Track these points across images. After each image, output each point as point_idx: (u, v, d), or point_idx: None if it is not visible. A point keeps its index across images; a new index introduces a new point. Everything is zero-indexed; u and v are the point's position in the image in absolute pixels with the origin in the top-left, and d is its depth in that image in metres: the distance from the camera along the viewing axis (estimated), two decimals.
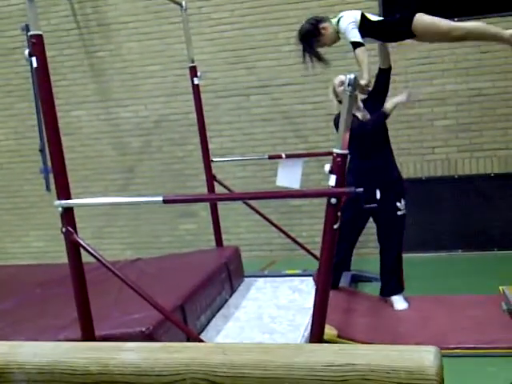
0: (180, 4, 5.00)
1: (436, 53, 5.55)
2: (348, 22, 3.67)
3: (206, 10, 5.93)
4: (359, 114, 4.03)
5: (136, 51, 6.10)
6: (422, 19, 3.58)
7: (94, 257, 2.89)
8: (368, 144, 3.96)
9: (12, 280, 4.43)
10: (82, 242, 2.85)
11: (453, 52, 5.50)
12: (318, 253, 2.97)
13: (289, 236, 5.22)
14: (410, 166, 5.73)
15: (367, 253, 5.47)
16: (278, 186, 4.87)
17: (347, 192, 2.49)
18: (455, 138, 5.62)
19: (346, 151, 2.49)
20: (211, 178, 5.20)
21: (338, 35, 3.91)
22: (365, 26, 3.65)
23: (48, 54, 6.61)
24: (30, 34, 2.90)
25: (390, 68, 4.20)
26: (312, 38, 3.85)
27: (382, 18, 3.86)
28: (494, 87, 5.47)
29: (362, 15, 3.70)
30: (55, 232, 6.56)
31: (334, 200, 2.48)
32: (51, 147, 2.85)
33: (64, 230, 2.84)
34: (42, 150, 6.42)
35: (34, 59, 2.84)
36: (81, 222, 6.50)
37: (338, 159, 2.48)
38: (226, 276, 4.36)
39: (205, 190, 6.09)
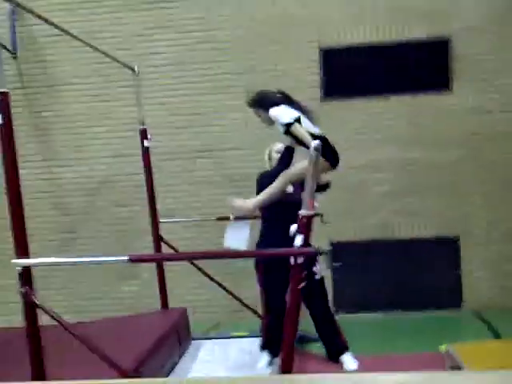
0: (132, 69, 5.14)
1: (372, 124, 5.96)
2: (281, 111, 3.60)
3: (156, 75, 6.09)
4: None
5: (82, 112, 6.13)
6: None
7: (53, 317, 2.81)
8: (278, 208, 3.97)
9: None
10: (39, 303, 2.78)
11: (389, 124, 5.93)
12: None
13: (236, 298, 5.25)
14: (348, 229, 5.99)
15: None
16: (225, 246, 4.97)
17: (313, 251, 2.61)
18: (391, 202, 5.97)
19: (312, 212, 2.63)
20: (158, 239, 5.20)
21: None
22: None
23: None
24: None
25: (326, 186, 4.21)
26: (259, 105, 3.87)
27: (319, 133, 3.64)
28: (425, 157, 5.91)
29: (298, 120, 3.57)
30: None
31: (301, 259, 2.59)
32: (12, 207, 2.81)
33: (23, 290, 2.76)
34: None
35: None
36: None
37: (304, 220, 2.61)
38: (175, 339, 4.31)
39: (149, 251, 6.07)
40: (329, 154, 3.47)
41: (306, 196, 2.62)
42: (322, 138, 3.36)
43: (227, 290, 5.25)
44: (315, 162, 2.60)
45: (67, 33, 3.85)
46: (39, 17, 3.40)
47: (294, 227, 2.65)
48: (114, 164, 6.18)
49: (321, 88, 5.99)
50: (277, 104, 3.68)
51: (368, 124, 5.98)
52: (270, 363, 4.22)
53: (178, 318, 4.57)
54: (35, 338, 2.76)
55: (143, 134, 5.19)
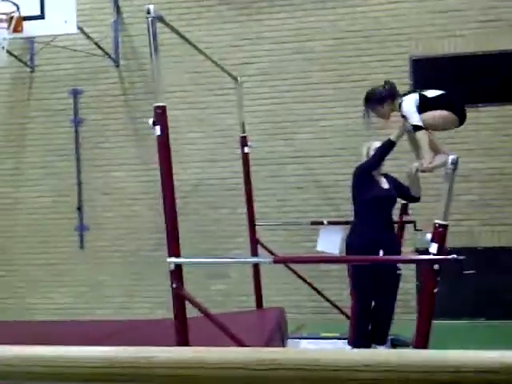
0: (235, 78, 5.42)
1: (461, 134, 6.06)
2: (410, 106, 4.01)
3: (249, 84, 6.36)
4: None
5: (180, 119, 6.47)
6: None
7: (201, 311, 3.09)
8: (373, 203, 4.25)
9: (71, 336, 4.52)
10: (189, 297, 3.06)
11: (478, 134, 6.02)
12: None
13: (327, 299, 5.46)
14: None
15: (403, 318, 5.73)
16: (318, 250, 5.21)
17: (449, 259, 2.79)
18: (478, 212, 6.05)
19: (446, 222, 2.81)
20: (255, 241, 5.45)
21: (389, 116, 4.27)
22: (422, 105, 3.99)
23: (94, 117, 7.00)
24: (155, 105, 3.19)
25: (418, 198, 4.56)
26: (373, 104, 4.17)
27: (439, 93, 4.02)
28: None
29: (420, 95, 4.02)
30: (84, 289, 6.72)
31: (436, 266, 2.77)
32: (166, 207, 3.09)
33: (174, 285, 3.04)
34: (79, 208, 6.61)
35: (157, 128, 3.13)
36: (113, 280, 6.66)
37: (440, 229, 2.79)
38: (280, 336, 4.55)
39: (238, 252, 6.36)
40: (455, 108, 3.82)
41: (442, 204, 2.80)
42: (443, 95, 3.89)
43: (319, 292, 5.46)
44: (452, 175, 2.77)
45: (188, 42, 4.13)
46: (170, 26, 3.69)
47: (428, 236, 2.83)
48: (207, 168, 6.49)
49: None
50: (382, 100, 4.04)
51: (457, 133, 6.07)
52: None
53: (279, 317, 4.80)
54: (184, 329, 3.04)
55: (243, 141, 5.46)
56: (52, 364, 0.95)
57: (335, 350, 0.88)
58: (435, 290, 2.84)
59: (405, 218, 5.33)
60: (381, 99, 4.09)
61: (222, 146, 6.46)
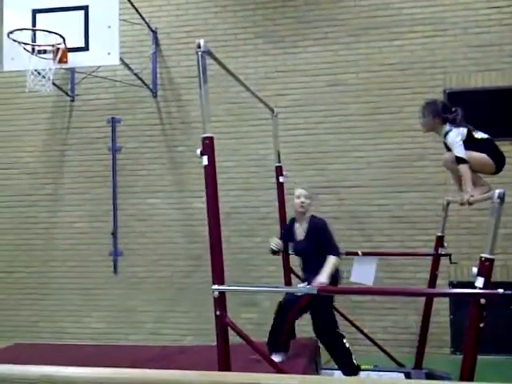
0: (272, 109, 5.53)
1: None
2: (456, 137, 4.02)
3: (282, 115, 6.47)
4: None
5: (215, 148, 6.57)
6: None
7: (244, 338, 3.12)
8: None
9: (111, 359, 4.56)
10: (232, 324, 3.10)
11: None
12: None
13: (361, 331, 5.43)
14: (470, 270, 6.05)
15: (438, 352, 5.67)
16: (352, 281, 5.22)
17: (496, 294, 2.79)
18: None
19: (493, 256, 2.82)
20: (289, 270, 5.47)
21: (428, 130, 4.33)
22: (467, 142, 4.03)
23: (131, 145, 7.16)
24: (202, 136, 3.29)
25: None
26: (429, 110, 4.20)
27: (485, 137, 4.12)
28: None
29: (468, 131, 4.10)
30: (118, 314, 6.79)
31: (483, 300, 2.77)
32: (212, 235, 3.16)
33: (218, 312, 3.09)
34: (114, 234, 6.72)
35: (204, 158, 3.21)
36: (146, 305, 6.71)
37: (487, 263, 2.80)
38: (314, 367, 4.53)
39: (272, 281, 6.37)
40: (497, 156, 3.96)
41: (488, 238, 2.81)
42: (489, 141, 4.02)
43: (353, 323, 5.44)
44: (499, 209, 2.79)
45: (231, 74, 4.25)
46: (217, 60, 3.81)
47: (474, 269, 2.84)
48: (240, 197, 6.57)
49: None
50: (436, 114, 4.14)
51: None
52: None
53: (313, 347, 4.79)
54: (226, 355, 3.07)
55: (278, 171, 5.53)
56: None
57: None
58: (481, 325, 2.84)
59: (440, 251, 5.33)
60: (436, 112, 4.17)
61: (255, 174, 6.55)
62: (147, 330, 6.69)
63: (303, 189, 4.68)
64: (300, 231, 4.62)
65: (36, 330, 6.91)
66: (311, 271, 4.29)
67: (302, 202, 4.58)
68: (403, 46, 6.31)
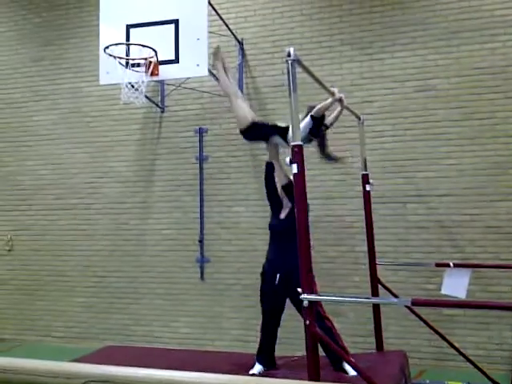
0: (358, 117, 5.47)
1: None
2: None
3: (369, 122, 6.37)
4: None
5: None
6: None
7: (333, 348, 3.08)
8: None
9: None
10: (321, 334, 3.07)
11: None
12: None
13: (452, 346, 5.21)
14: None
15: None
16: (442, 293, 5.01)
17: None
18: None
19: None
20: (376, 281, 5.36)
21: None
22: None
23: (217, 154, 7.30)
24: (292, 144, 3.28)
25: None
26: None
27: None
28: None
29: None
30: (204, 320, 6.92)
31: None
32: (301, 244, 3.15)
33: (307, 322, 3.07)
34: (201, 241, 6.88)
35: (294, 166, 3.21)
36: (231, 312, 6.80)
37: None
38: (404, 381, 4.40)
39: (354, 291, 6.27)
40: None
41: None
42: None
43: (444, 338, 5.23)
44: None
45: (319, 82, 4.23)
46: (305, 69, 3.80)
47: None
48: (325, 205, 6.53)
49: None
50: None
51: None
52: None
53: (402, 360, 4.66)
54: (315, 365, 3.04)
55: (365, 179, 5.45)
56: None
57: None
58: None
59: None
60: None
61: (340, 183, 6.49)
62: (232, 337, 6.77)
63: None
64: None
65: (126, 333, 7.18)
66: None
67: None
68: (495, 48, 6.04)
